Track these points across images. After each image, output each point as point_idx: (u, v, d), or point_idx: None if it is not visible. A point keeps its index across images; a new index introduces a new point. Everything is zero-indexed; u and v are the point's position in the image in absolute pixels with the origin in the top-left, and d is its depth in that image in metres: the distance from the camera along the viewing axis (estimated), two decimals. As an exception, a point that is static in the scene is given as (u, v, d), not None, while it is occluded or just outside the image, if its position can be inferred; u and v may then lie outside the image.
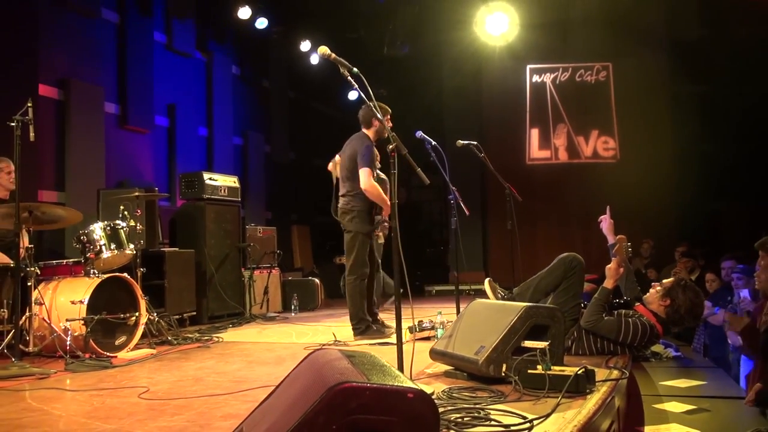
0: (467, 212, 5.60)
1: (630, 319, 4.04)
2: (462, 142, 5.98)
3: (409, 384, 1.54)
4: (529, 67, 11.32)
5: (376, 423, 1.44)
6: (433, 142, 5.36)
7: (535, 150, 11.38)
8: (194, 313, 6.59)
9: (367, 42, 10.02)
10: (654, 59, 10.79)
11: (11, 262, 4.44)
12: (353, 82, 3.31)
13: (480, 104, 11.35)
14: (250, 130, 10.12)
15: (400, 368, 3.21)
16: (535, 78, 11.34)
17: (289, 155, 11.06)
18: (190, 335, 5.60)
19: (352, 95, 10.44)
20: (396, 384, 1.49)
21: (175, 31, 8.49)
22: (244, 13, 8.85)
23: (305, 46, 9.83)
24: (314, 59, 10.09)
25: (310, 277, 8.32)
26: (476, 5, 9.67)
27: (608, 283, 4.13)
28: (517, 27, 10.06)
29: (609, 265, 4.23)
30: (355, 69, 3.30)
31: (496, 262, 10.72)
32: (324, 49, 3.35)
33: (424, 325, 5.17)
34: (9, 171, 5.08)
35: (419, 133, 5.44)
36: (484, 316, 3.66)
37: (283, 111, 10.77)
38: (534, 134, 11.36)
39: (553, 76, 11.33)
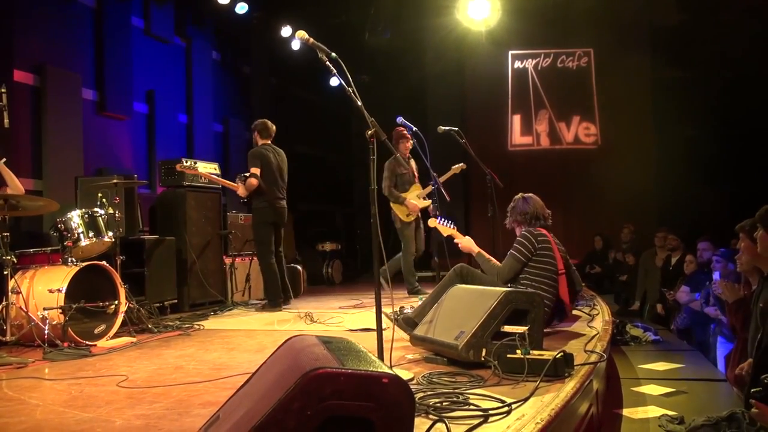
0: (448, 199, 5.61)
1: (514, 247, 4.44)
2: (443, 128, 5.97)
3: (384, 369, 1.54)
4: (510, 53, 11.32)
5: (352, 408, 1.44)
6: (414, 128, 5.36)
7: (517, 136, 11.41)
8: (175, 300, 6.55)
9: (348, 27, 9.95)
10: (635, 45, 10.84)
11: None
12: (332, 68, 3.28)
13: (462, 90, 11.35)
14: (231, 116, 10.03)
15: (380, 354, 3.21)
16: (517, 64, 11.34)
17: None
18: (170, 323, 5.57)
19: (334, 81, 10.36)
20: (371, 369, 1.49)
21: (153, 15, 8.38)
22: (223, -4, 8.75)
23: (286, 31, 9.75)
24: (295, 45, 10.02)
25: (292, 264, 8.29)
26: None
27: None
28: (498, 12, 10.02)
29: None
30: (334, 54, 3.27)
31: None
32: (302, 34, 3.32)
33: (405, 311, 5.17)
34: None
35: (400, 119, 5.44)
36: (465, 302, 3.67)
37: (264, 97, 10.68)
38: (516, 120, 11.38)
39: (534, 62, 11.34)
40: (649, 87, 10.86)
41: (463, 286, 4.01)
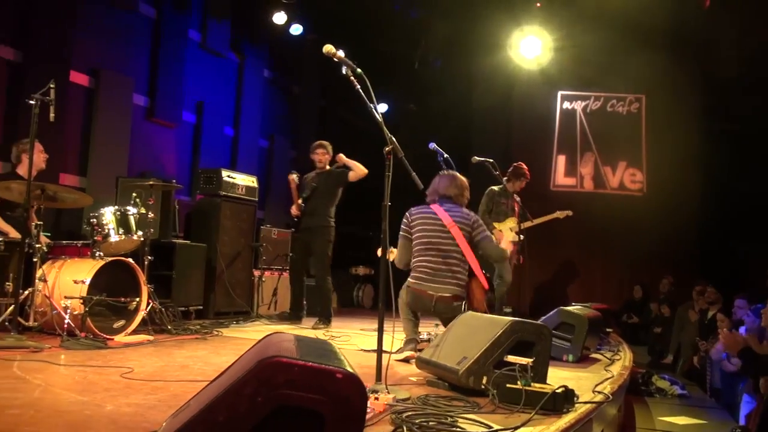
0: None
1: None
2: (477, 158, 6.00)
3: (344, 367, 1.54)
4: (560, 93, 11.25)
5: (303, 400, 1.44)
6: (445, 155, 5.38)
7: (561, 176, 11.27)
8: (200, 307, 6.65)
9: (399, 56, 10.08)
10: (689, 94, 10.63)
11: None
12: (356, 83, 3.34)
13: (509, 126, 11.29)
14: (277, 133, 10.23)
15: (379, 373, 3.20)
16: (566, 104, 11.26)
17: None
18: (191, 327, 5.65)
19: (382, 108, 10.51)
20: (327, 364, 1.49)
21: (210, 30, 8.66)
22: (280, 18, 8.99)
23: (339, 54, 9.90)
24: (344, 69, 10.18)
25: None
26: (511, 27, 9.67)
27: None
28: (550, 52, 10.03)
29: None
30: (359, 70, 3.33)
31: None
32: (329, 48, 3.41)
33: (421, 337, 5.15)
34: (39, 150, 5.17)
35: (432, 145, 5.48)
36: (473, 328, 3.63)
37: (311, 117, 10.87)
38: (561, 161, 11.26)
39: (584, 104, 11.24)
40: (700, 137, 10.62)
41: (474, 313, 3.97)
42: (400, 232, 4.53)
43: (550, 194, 11.15)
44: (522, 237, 6.74)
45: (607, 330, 6.49)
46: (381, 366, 3.18)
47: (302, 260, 6.83)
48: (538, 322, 3.70)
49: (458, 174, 4.79)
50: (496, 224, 7.12)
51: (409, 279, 4.50)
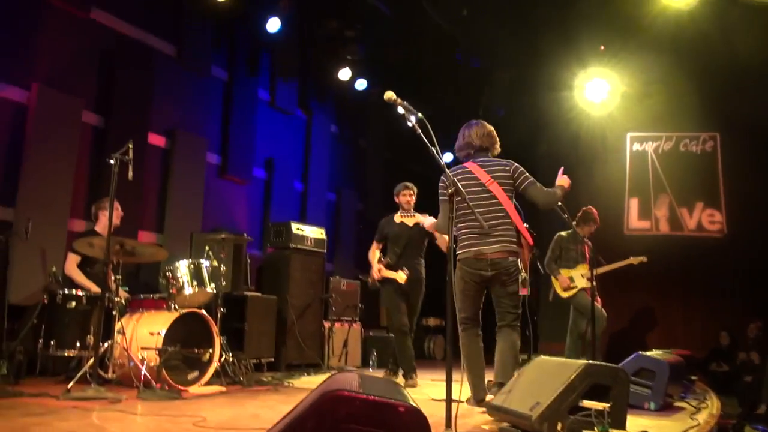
0: (542, 271, 5.51)
1: None
2: (544, 201, 5.93)
3: (405, 401, 1.52)
4: (629, 135, 11.04)
5: (365, 435, 1.43)
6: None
7: (635, 220, 10.96)
8: (272, 359, 6.71)
9: (463, 106, 10.15)
10: (765, 131, 10.25)
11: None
12: (417, 128, 3.38)
13: (577, 170, 11.11)
14: (345, 187, 10.40)
15: (448, 421, 3.13)
16: (636, 146, 11.03)
17: (382, 214, 11.21)
18: (264, 379, 5.70)
19: (448, 157, 10.56)
20: (389, 397, 1.47)
21: (279, 89, 8.98)
22: (345, 74, 9.24)
23: (401, 109, 10.10)
24: (411, 120, 10.34)
25: (391, 334, 8.27)
26: (575, 70, 9.63)
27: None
28: (617, 95, 9.91)
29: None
30: (420, 114, 3.39)
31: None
32: (390, 94, 3.48)
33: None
34: (116, 208, 5.43)
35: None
36: (545, 372, 3.52)
37: (378, 170, 11.02)
38: (633, 204, 10.96)
39: (655, 144, 10.98)
40: (782, 175, 10.17)
41: (546, 357, 3.85)
42: (440, 197, 4.24)
43: (624, 238, 10.84)
44: (594, 283, 6.55)
45: (692, 378, 6.18)
46: (450, 412, 3.11)
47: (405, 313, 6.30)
48: (611, 364, 3.56)
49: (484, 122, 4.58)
50: (564, 271, 6.94)
51: (458, 252, 4.25)
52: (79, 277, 5.30)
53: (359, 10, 8.64)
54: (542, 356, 3.86)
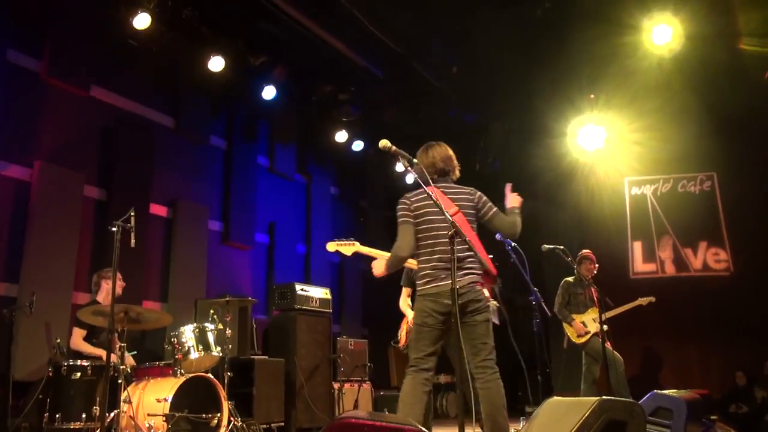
0: (549, 313, 5.45)
1: None
2: (547, 246, 5.97)
3: (415, 426, 1.49)
4: (627, 179, 11.12)
5: (373, 462, 1.40)
6: (513, 244, 5.33)
7: (639, 263, 10.92)
8: (282, 423, 6.59)
9: (459, 159, 10.26)
10: (762, 167, 10.32)
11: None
12: (414, 173, 3.43)
13: (579, 217, 11.15)
14: (344, 247, 10.39)
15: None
16: (635, 190, 11.09)
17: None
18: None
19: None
20: (398, 423, 1.45)
21: (278, 155, 9.11)
22: (341, 136, 9.39)
23: (400, 166, 10.25)
24: (409, 179, 10.47)
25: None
26: (568, 117, 9.80)
27: None
28: (612, 140, 10.05)
29: None
30: (415, 160, 3.43)
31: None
32: (384, 142, 3.54)
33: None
34: (117, 278, 5.44)
35: (498, 236, 5.45)
36: (558, 413, 3.45)
37: (379, 229, 11.05)
38: (637, 247, 10.94)
39: (653, 187, 11.04)
40: (781, 209, 10.18)
41: (558, 398, 3.78)
42: (402, 218, 3.88)
43: (630, 283, 10.77)
44: (606, 327, 6.48)
45: (712, 417, 6.04)
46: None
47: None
48: (625, 399, 3.49)
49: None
50: (576, 316, 6.91)
51: (420, 286, 3.86)
52: (87, 348, 5.26)
53: (352, 74, 8.85)
54: (555, 397, 3.79)
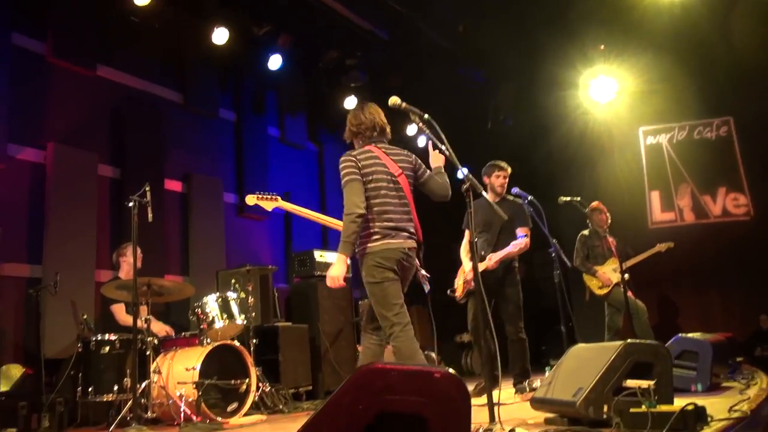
0: (569, 264, 5.44)
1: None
2: (564, 198, 5.94)
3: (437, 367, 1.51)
4: (641, 129, 10.99)
5: (404, 404, 1.41)
6: (529, 197, 5.32)
7: (658, 213, 10.83)
8: (310, 387, 6.67)
9: (470, 119, 10.19)
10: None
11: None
12: (425, 129, 3.40)
13: (593, 170, 11.06)
14: (363, 213, 10.41)
15: (492, 415, 3.10)
16: (650, 139, 10.95)
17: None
18: (304, 406, 5.67)
19: (458, 174, 10.55)
20: (423, 366, 1.46)
21: (288, 125, 9.08)
22: (350, 102, 9.31)
23: (412, 129, 10.20)
24: (421, 142, 10.42)
25: (426, 351, 8.20)
26: (579, 70, 9.67)
27: None
28: (624, 91, 9.92)
29: None
30: (426, 116, 3.41)
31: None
32: (394, 99, 3.52)
33: (534, 385, 4.97)
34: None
35: (515, 190, 5.45)
36: (584, 358, 3.47)
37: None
38: (654, 197, 10.85)
39: (668, 136, 10.89)
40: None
41: (583, 344, 3.79)
42: (350, 175, 3.68)
43: (649, 233, 10.70)
44: (627, 276, 6.46)
45: (738, 359, 6.04)
46: (492, 405, 3.07)
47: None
48: (651, 341, 3.49)
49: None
50: (597, 268, 6.89)
51: (366, 245, 3.65)
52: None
53: (357, 38, 8.75)
54: (579, 344, 3.80)
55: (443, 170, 3.96)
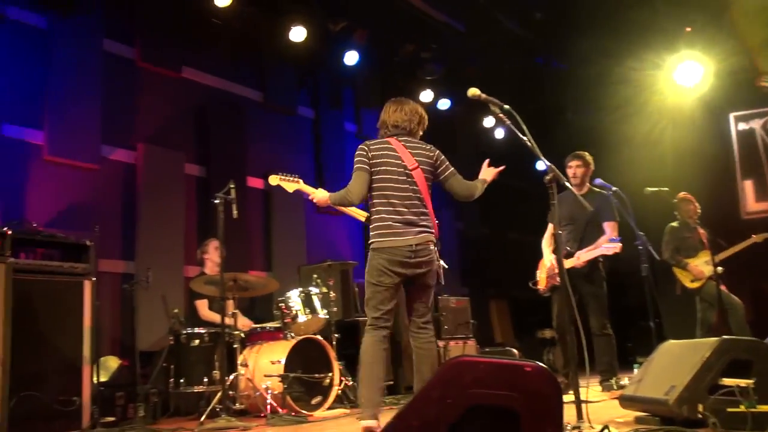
0: (657, 257, 5.24)
1: None
2: (650, 189, 5.73)
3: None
4: (732, 115, 10.46)
5: (494, 398, 1.39)
6: (613, 188, 5.15)
7: (752, 203, 10.30)
8: (391, 382, 6.68)
9: (550, 108, 9.98)
10: None
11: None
12: (506, 120, 3.35)
13: (681, 159, 10.62)
14: (441, 206, 10.31)
15: (579, 414, 3.02)
16: (741, 125, 10.42)
17: (481, 230, 11.11)
18: (386, 401, 5.70)
19: (540, 166, 10.36)
20: (513, 359, 1.44)
21: (364, 120, 9.14)
22: (427, 96, 9.29)
23: (489, 121, 10.08)
24: (499, 134, 10.29)
25: (507, 347, 8.12)
26: (663, 55, 9.28)
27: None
28: (712, 75, 9.47)
29: None
30: (507, 106, 3.36)
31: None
32: (474, 90, 3.48)
33: (622, 383, 4.84)
34: (216, 247, 5.70)
35: (598, 181, 5.30)
36: (676, 355, 3.34)
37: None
38: (747, 186, 10.32)
39: (762, 121, 10.34)
40: None
41: (674, 341, 3.65)
42: (358, 164, 3.74)
43: (742, 224, 10.19)
44: (720, 269, 6.17)
45: None
46: (580, 402, 3.00)
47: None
48: (749, 337, 3.32)
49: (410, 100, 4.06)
50: (689, 260, 6.60)
51: (374, 239, 3.66)
52: (216, 316, 5.50)
53: (433, 31, 8.71)
54: (669, 341, 3.66)
55: (484, 182, 4.10)
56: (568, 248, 5.25)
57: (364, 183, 3.69)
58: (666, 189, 5.78)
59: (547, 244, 5.58)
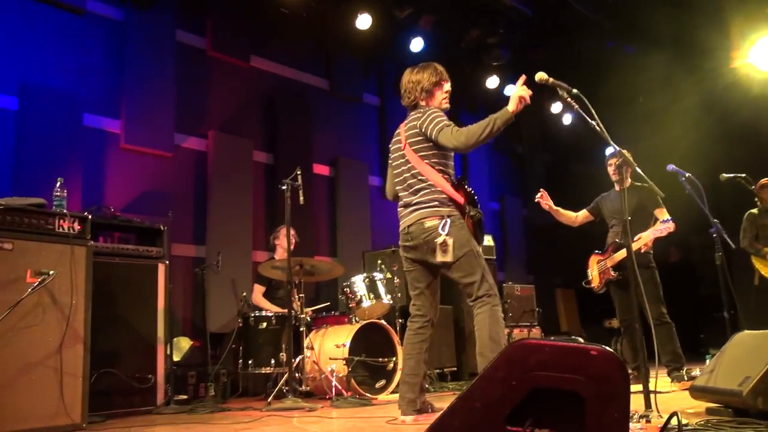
0: (733, 246, 5.05)
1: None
2: (726, 175, 5.53)
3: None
4: (816, 96, 9.93)
5: (559, 381, 1.39)
6: (687, 174, 4.98)
7: (837, 190, 9.77)
8: (455, 368, 6.71)
9: (622, 94, 9.70)
10: None
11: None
12: (574, 104, 3.29)
13: (756, 143, 10.16)
14: (508, 194, 10.28)
15: (647, 403, 2.97)
16: (826, 108, 9.88)
17: (548, 218, 10.92)
18: (450, 386, 5.73)
19: (609, 151, 10.11)
20: (578, 343, 1.43)
21: (429, 107, 9.11)
22: (492, 82, 9.21)
23: (556, 108, 9.90)
24: (566, 119, 10.08)
25: (572, 336, 7.99)
26: (741, 35, 8.89)
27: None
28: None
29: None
30: (575, 90, 3.30)
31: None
32: (541, 75, 3.44)
33: (693, 374, 4.71)
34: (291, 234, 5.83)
35: (671, 167, 5.12)
36: (751, 346, 3.22)
37: (538, 174, 10.79)
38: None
39: None
40: None
41: (749, 331, 3.52)
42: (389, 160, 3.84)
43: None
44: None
45: None
46: (648, 392, 2.94)
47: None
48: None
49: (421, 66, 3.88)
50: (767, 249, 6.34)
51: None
52: (266, 304, 5.69)
53: (499, 15, 8.58)
54: (744, 331, 3.54)
55: (507, 111, 3.87)
56: (618, 240, 5.23)
57: (390, 177, 3.87)
58: (743, 175, 5.56)
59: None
